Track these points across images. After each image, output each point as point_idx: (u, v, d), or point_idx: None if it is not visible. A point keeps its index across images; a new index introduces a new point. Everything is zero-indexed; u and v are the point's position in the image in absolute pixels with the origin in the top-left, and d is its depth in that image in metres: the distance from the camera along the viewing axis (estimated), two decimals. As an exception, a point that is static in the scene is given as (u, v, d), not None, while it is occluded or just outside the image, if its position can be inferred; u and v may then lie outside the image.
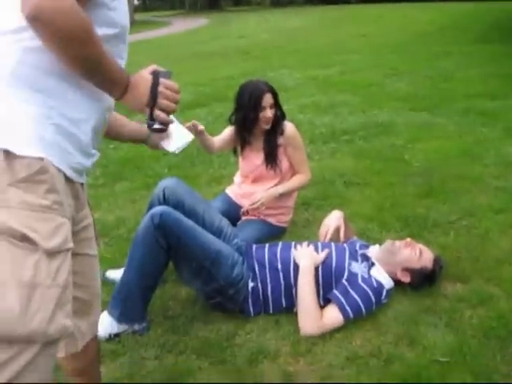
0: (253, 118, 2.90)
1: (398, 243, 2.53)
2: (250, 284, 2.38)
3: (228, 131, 3.16)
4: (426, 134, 5.17)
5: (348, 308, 2.30)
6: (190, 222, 2.31)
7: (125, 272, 2.29)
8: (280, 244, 2.60)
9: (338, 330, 2.28)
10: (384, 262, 2.48)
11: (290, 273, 2.40)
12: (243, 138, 3.07)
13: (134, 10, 35.14)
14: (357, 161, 4.49)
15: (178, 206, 2.50)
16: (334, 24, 20.23)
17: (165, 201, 2.55)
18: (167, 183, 2.63)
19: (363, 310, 2.32)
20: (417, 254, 2.48)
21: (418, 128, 5.41)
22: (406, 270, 2.48)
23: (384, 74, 8.73)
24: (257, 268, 2.42)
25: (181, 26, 26.24)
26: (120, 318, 2.27)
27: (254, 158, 3.11)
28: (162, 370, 2.08)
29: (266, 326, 2.33)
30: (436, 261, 2.51)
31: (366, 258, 2.51)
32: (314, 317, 2.27)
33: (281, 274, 2.40)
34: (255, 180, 3.18)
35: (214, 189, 4.00)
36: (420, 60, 10.26)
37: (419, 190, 3.74)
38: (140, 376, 2.06)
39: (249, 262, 2.45)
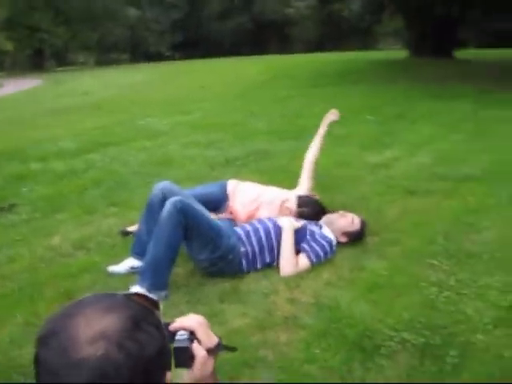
0: None
1: (334, 215, 3.56)
2: (242, 249, 3.22)
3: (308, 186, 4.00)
4: (300, 155, 6.35)
5: (312, 256, 3.25)
6: (198, 205, 3.11)
7: (152, 249, 2.98)
8: (255, 220, 3.49)
9: (308, 271, 3.20)
10: (326, 226, 3.49)
11: (272, 235, 3.29)
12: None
13: None
14: (260, 176, 5.48)
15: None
16: (171, 78, 21.45)
17: (163, 197, 3.27)
18: (163, 185, 3.38)
19: (322, 257, 3.28)
20: (349, 221, 3.52)
21: (291, 152, 6.59)
22: (344, 233, 3.51)
23: (242, 115, 9.98)
24: (244, 237, 3.27)
25: (12, 87, 25.63)
26: (150, 288, 2.94)
27: None
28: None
29: (258, 277, 3.17)
30: (363, 223, 3.57)
31: (316, 224, 3.50)
32: (293, 263, 3.20)
33: (264, 238, 3.28)
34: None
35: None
36: (268, 103, 11.78)
37: (317, 188, 4.81)
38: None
39: (237, 234, 3.29)
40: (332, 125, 4.13)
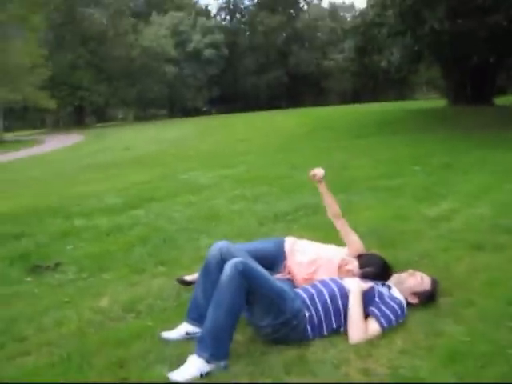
0: None
1: (403, 275, 3.30)
2: (307, 313, 2.97)
3: (358, 245, 3.71)
4: (353, 209, 6.13)
5: (383, 320, 2.97)
6: (259, 266, 2.90)
7: (212, 315, 2.76)
8: (316, 282, 3.24)
9: (379, 338, 2.92)
10: (395, 287, 3.22)
11: (338, 299, 3.04)
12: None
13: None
14: (313, 232, 5.26)
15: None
16: (210, 132, 21.72)
17: (221, 259, 3.08)
18: (221, 244, 3.18)
19: (393, 321, 3.01)
20: (419, 280, 3.25)
21: (344, 205, 6.35)
22: (414, 293, 3.24)
23: (286, 168, 9.86)
24: (308, 300, 3.03)
25: (55, 143, 26.40)
26: (210, 359, 2.70)
27: None
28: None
29: (324, 344, 2.91)
30: (434, 282, 3.29)
31: (384, 284, 3.23)
32: (362, 329, 2.93)
33: (329, 301, 3.03)
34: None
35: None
36: (310, 155, 11.66)
37: (377, 244, 4.56)
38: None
39: (300, 297, 3.05)
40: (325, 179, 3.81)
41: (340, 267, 3.52)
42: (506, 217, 5.15)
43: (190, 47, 47.68)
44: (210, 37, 48.09)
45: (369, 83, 52.44)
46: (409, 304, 3.21)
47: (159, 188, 8.58)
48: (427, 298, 3.27)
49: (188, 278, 3.86)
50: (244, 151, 13.67)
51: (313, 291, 3.11)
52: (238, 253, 3.10)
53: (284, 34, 53.14)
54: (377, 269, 3.43)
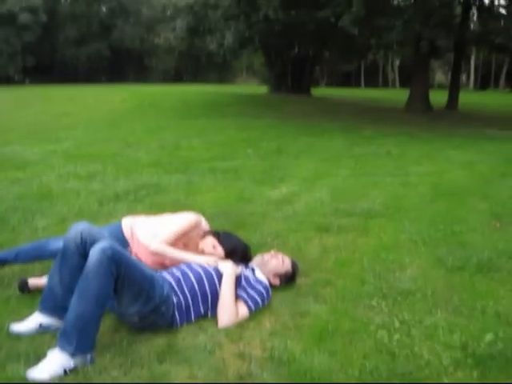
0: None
1: (266, 256, 3.32)
2: (174, 299, 2.84)
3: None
4: (196, 190, 6.07)
5: (251, 303, 2.97)
6: (127, 252, 2.68)
7: (77, 306, 2.49)
8: (181, 264, 3.12)
9: (248, 320, 2.92)
10: (258, 268, 3.24)
11: (205, 283, 2.95)
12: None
13: None
14: (160, 212, 5.09)
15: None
16: (26, 103, 20.05)
17: (81, 242, 2.80)
18: (82, 226, 2.88)
19: (260, 304, 3.02)
20: (281, 262, 3.30)
21: (185, 186, 6.28)
22: (276, 275, 3.27)
23: (119, 145, 9.47)
24: (175, 285, 2.90)
25: None
26: (75, 352, 2.44)
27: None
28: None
29: (193, 330, 2.82)
30: (294, 264, 3.37)
31: (247, 266, 3.23)
32: (234, 313, 2.89)
33: (196, 286, 2.93)
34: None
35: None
36: (141, 133, 11.36)
37: (229, 226, 4.56)
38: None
39: (167, 281, 2.90)
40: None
41: (202, 251, 3.44)
42: (344, 201, 5.49)
43: (4, 9, 43.31)
44: (28, 0, 44.14)
45: (191, 64, 52.73)
46: (271, 285, 3.25)
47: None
48: (288, 279, 3.34)
49: (32, 281, 3.27)
50: (69, 125, 12.86)
51: (178, 274, 2.99)
52: (101, 236, 2.86)
53: (108, 6, 50.92)
54: (242, 253, 3.43)
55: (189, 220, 3.47)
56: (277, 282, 3.30)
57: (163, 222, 3.58)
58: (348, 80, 55.57)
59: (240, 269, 3.12)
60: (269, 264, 3.29)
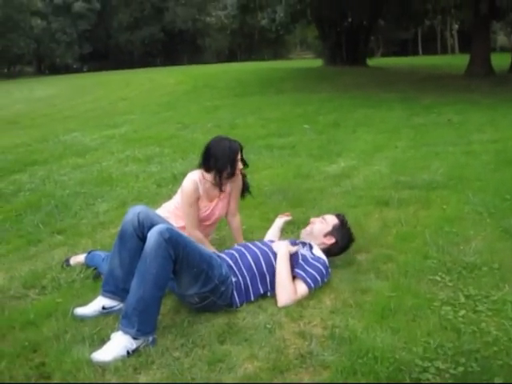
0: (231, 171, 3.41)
1: (307, 227, 3.33)
2: (233, 279, 2.84)
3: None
4: (252, 167, 6.03)
5: (310, 281, 2.92)
6: (184, 233, 2.69)
7: (137, 289, 2.52)
8: (236, 245, 3.13)
9: (308, 298, 2.87)
10: (313, 242, 3.20)
11: (262, 262, 2.93)
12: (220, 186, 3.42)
13: None
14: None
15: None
16: (85, 91, 20.51)
17: (139, 225, 2.83)
18: (140, 209, 2.91)
19: (320, 281, 2.97)
20: (323, 221, 3.28)
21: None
22: (327, 234, 3.24)
23: (175, 128, 9.56)
24: (233, 265, 2.89)
25: None
26: (137, 334, 2.48)
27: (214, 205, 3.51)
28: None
29: (253, 310, 2.81)
30: (338, 215, 3.34)
31: (304, 244, 3.19)
32: (292, 291, 2.85)
33: (253, 265, 2.92)
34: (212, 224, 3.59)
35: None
36: (197, 114, 11.41)
37: (286, 203, 4.52)
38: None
39: (226, 261, 2.90)
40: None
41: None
42: (404, 173, 5.34)
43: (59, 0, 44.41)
44: (80, -11, 45.04)
45: (245, 42, 52.45)
46: (332, 251, 3.20)
47: (41, 151, 7.95)
48: (340, 231, 3.27)
49: (73, 260, 3.55)
50: (126, 110, 13.07)
51: (236, 255, 2.99)
52: (158, 218, 2.87)
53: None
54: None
55: (186, 195, 3.46)
56: (333, 240, 3.23)
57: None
58: (405, 48, 53.86)
59: (296, 247, 3.08)
60: (314, 231, 3.26)
